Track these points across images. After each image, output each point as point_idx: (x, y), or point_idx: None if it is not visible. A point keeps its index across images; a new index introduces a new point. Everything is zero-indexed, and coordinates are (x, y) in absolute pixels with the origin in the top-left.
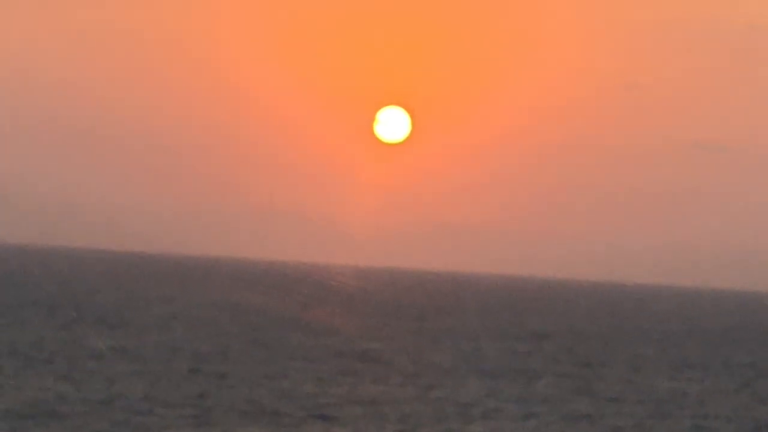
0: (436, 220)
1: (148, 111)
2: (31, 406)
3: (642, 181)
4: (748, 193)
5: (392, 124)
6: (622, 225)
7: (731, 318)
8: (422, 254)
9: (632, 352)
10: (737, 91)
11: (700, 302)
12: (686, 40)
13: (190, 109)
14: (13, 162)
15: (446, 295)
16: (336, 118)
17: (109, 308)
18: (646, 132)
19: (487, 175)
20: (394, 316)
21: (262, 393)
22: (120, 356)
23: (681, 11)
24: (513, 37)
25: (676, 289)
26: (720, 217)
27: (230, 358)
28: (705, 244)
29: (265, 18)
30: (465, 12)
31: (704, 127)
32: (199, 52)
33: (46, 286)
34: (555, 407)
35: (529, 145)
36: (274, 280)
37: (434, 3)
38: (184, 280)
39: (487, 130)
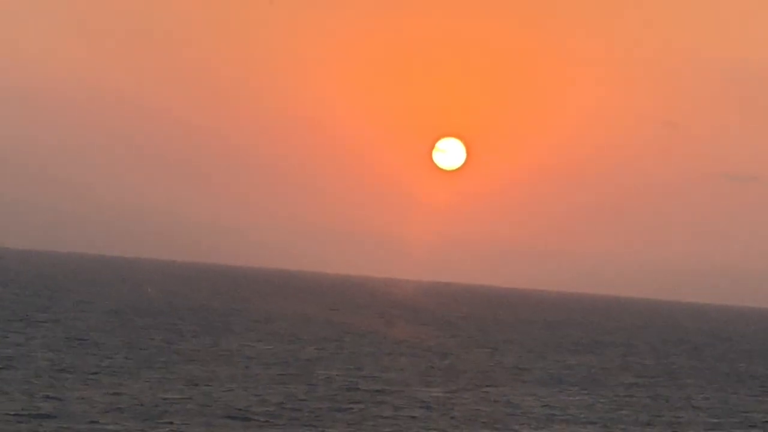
0: (488, 239)
1: (251, 144)
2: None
3: (676, 206)
4: None
5: (450, 153)
6: (655, 245)
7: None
8: (474, 270)
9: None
10: (763, 127)
11: (731, 318)
12: (718, 80)
13: (285, 142)
14: (128, 184)
15: (501, 308)
16: (400, 148)
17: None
18: (680, 164)
19: (534, 199)
20: (459, 328)
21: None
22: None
23: (713, 54)
24: (559, 77)
25: (706, 305)
26: (747, 239)
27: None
28: (735, 263)
29: (346, 65)
30: (515, 54)
31: (734, 160)
32: (290, 95)
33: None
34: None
35: (572, 173)
36: (347, 294)
37: (488, 48)
38: (272, 291)
39: (535, 160)
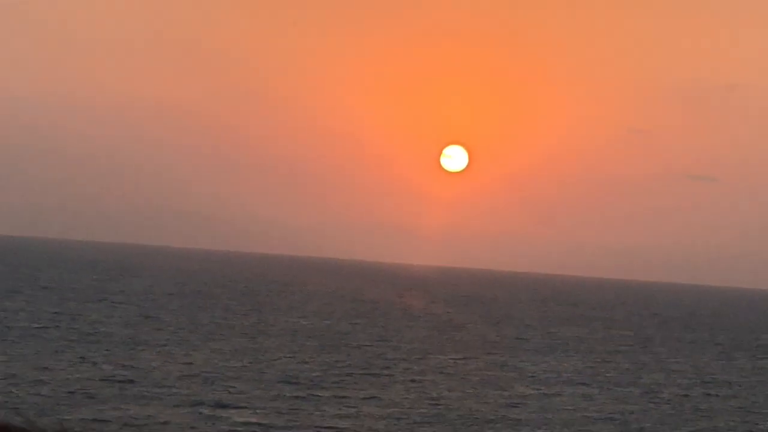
0: (487, 230)
1: (289, 149)
2: None
3: (645, 202)
4: (727, 210)
5: (455, 158)
6: (627, 235)
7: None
8: (476, 255)
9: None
10: (720, 134)
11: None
12: (679, 96)
13: (318, 149)
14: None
15: (500, 288)
16: (413, 154)
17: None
18: (647, 165)
19: (525, 196)
20: (465, 305)
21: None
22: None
23: (674, 74)
24: (545, 93)
25: (672, 284)
26: (706, 229)
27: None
28: (696, 249)
29: (368, 85)
30: (509, 74)
31: (695, 162)
32: (322, 110)
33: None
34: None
35: (556, 173)
36: (370, 277)
37: (487, 70)
38: (308, 276)
39: (526, 162)
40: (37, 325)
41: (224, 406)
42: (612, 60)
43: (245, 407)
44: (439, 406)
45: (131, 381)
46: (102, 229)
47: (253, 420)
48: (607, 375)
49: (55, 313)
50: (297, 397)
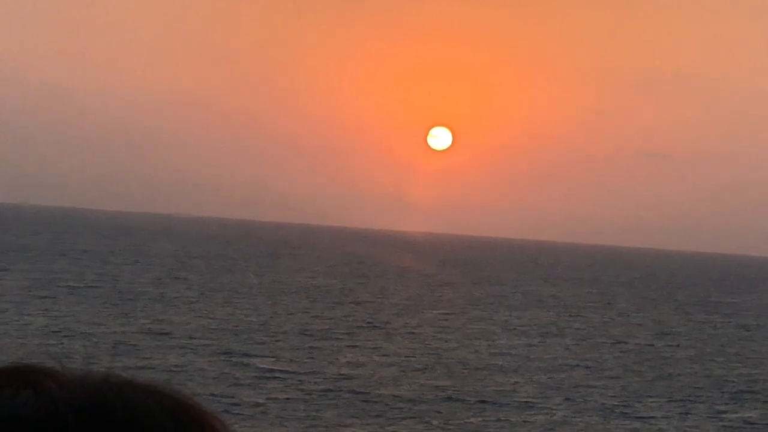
0: (468, 200)
1: (298, 131)
2: None
3: (606, 175)
4: (678, 184)
5: (440, 138)
6: (590, 204)
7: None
8: (459, 223)
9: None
10: (671, 114)
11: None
12: (637, 82)
13: (321, 131)
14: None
15: (482, 252)
16: (404, 135)
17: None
18: (607, 143)
19: (501, 170)
20: (452, 266)
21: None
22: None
23: (632, 63)
24: (517, 80)
25: (631, 248)
26: (658, 199)
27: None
28: (649, 216)
29: (364, 74)
30: (487, 65)
31: (649, 141)
32: (324, 96)
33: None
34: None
35: (527, 150)
36: (369, 242)
37: (467, 61)
38: (313, 242)
39: (502, 141)
40: (82, 285)
41: (250, 356)
42: (575, 50)
43: (268, 356)
44: (436, 355)
45: (167, 333)
46: (136, 200)
47: (276, 367)
48: (579, 328)
49: (98, 274)
50: (312, 347)
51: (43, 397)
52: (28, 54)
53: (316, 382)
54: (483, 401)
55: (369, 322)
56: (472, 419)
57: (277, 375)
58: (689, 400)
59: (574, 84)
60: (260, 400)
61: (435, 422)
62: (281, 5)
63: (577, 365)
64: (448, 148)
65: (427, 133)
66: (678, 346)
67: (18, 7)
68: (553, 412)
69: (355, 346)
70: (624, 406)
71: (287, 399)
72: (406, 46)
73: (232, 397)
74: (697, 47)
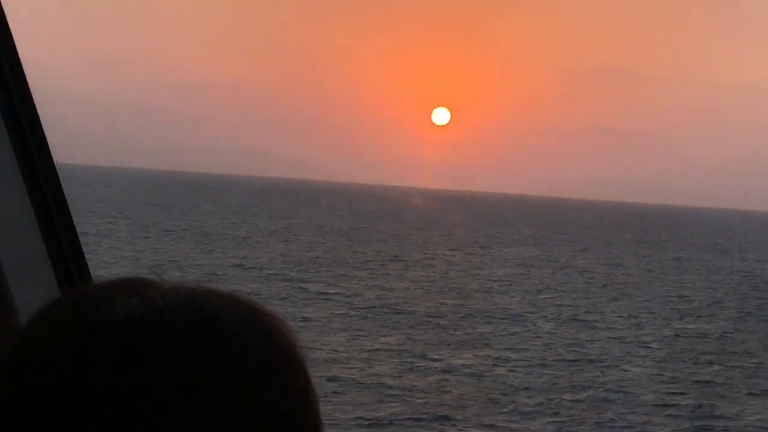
0: (463, 162)
1: (325, 107)
2: None
3: (570, 145)
4: (623, 155)
5: (441, 116)
6: (555, 169)
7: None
8: (456, 179)
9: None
10: (621, 92)
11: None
12: (590, 72)
13: (340, 108)
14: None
15: (477, 204)
16: (411, 113)
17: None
18: (569, 119)
19: (488, 140)
20: (451, 213)
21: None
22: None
23: (586, 56)
24: (502, 70)
25: (592, 201)
26: (608, 164)
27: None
28: (604, 175)
29: (378, 61)
30: (476, 56)
31: (600, 118)
32: (347, 79)
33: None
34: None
35: (507, 126)
36: (380, 196)
37: (461, 53)
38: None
39: (488, 118)
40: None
41: (305, 281)
42: (547, 49)
43: (318, 281)
44: (448, 281)
45: (242, 266)
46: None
47: (323, 290)
48: (556, 260)
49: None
50: (346, 275)
51: (148, 303)
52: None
53: (359, 302)
54: (489, 315)
55: (395, 256)
56: (480, 329)
57: (329, 297)
58: (641, 315)
59: (546, 74)
60: (318, 315)
61: (454, 332)
62: (322, 10)
63: (554, 289)
64: (447, 124)
65: (431, 112)
66: (631, 275)
67: None
68: (540, 323)
69: (383, 274)
70: (592, 320)
71: (339, 314)
72: (413, 43)
73: (298, 313)
74: (640, 45)
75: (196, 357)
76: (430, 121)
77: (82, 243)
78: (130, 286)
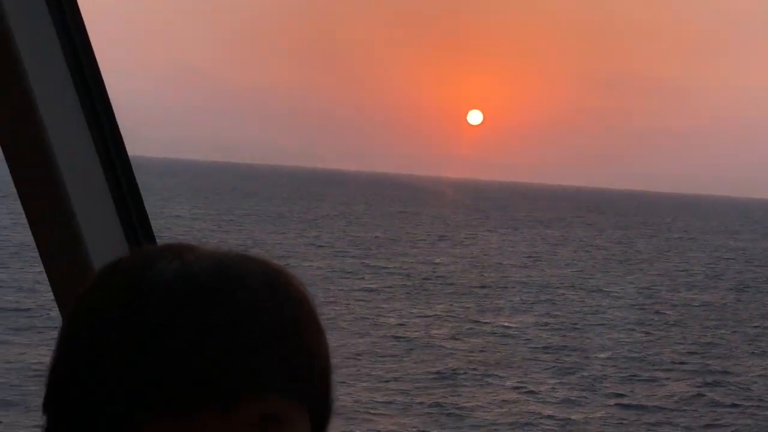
0: (493, 156)
1: (375, 111)
2: None
3: (584, 140)
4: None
5: (474, 117)
6: (568, 153)
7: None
8: (485, 170)
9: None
10: (610, 102)
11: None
12: (599, 80)
13: (384, 112)
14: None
15: (497, 189)
16: (450, 114)
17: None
18: (584, 120)
19: (515, 137)
20: (477, 198)
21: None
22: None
23: (597, 65)
24: (528, 80)
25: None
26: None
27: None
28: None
29: (418, 67)
30: (508, 66)
31: (612, 118)
32: (394, 85)
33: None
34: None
35: (531, 126)
36: (415, 182)
37: (491, 66)
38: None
39: (516, 120)
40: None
41: (368, 257)
42: (558, 59)
43: (379, 257)
44: (486, 257)
45: (314, 244)
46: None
47: (384, 264)
48: (578, 239)
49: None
50: (402, 253)
51: (186, 265)
52: None
53: (415, 274)
54: (525, 285)
55: (442, 236)
56: (517, 297)
57: (390, 270)
58: (654, 287)
59: (562, 81)
60: (382, 286)
61: (497, 300)
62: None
63: (578, 263)
64: (480, 124)
65: (466, 114)
66: (639, 252)
67: None
68: (569, 294)
69: (436, 251)
70: (613, 291)
71: (400, 285)
72: (452, 56)
73: (365, 285)
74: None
75: (219, 309)
76: (465, 122)
77: (175, 224)
78: (174, 250)
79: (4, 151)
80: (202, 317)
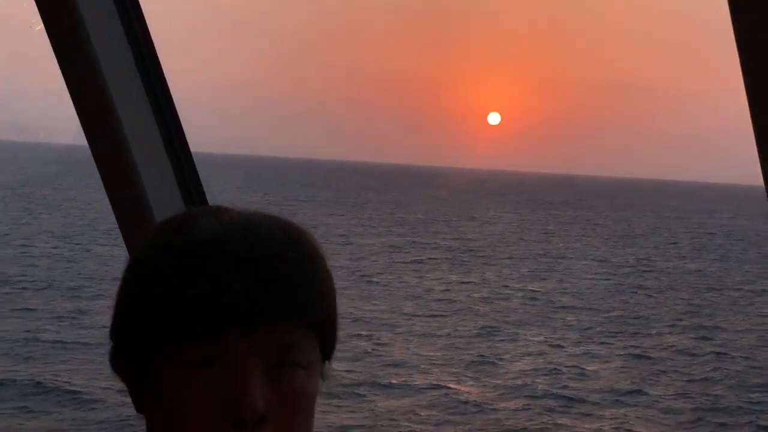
0: (509, 150)
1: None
2: None
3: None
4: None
5: (493, 118)
6: (574, 152)
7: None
8: (501, 162)
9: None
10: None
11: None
12: (589, 87)
13: (422, 109)
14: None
15: (515, 177)
16: (473, 117)
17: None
18: (587, 119)
19: (529, 135)
20: (490, 183)
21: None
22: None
23: (592, 75)
24: (540, 87)
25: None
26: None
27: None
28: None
29: (443, 74)
30: (523, 72)
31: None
32: (430, 89)
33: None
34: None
35: (542, 126)
36: (437, 173)
37: (508, 69)
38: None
39: (530, 121)
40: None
41: (411, 235)
42: (577, 64)
43: (419, 235)
44: (508, 234)
45: (365, 225)
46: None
47: (424, 240)
48: (585, 219)
49: None
50: (437, 231)
51: (221, 223)
52: None
53: (452, 247)
54: (543, 256)
55: (472, 216)
56: (536, 266)
57: (429, 245)
58: (650, 258)
59: (574, 88)
60: (424, 258)
61: (519, 269)
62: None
63: (585, 238)
64: (498, 124)
65: (486, 115)
66: (634, 228)
67: None
68: (580, 264)
69: (467, 229)
70: (616, 261)
71: (441, 257)
72: (472, 60)
73: (410, 257)
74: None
75: (244, 252)
76: (485, 122)
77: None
78: (212, 211)
79: (87, 139)
80: (229, 258)
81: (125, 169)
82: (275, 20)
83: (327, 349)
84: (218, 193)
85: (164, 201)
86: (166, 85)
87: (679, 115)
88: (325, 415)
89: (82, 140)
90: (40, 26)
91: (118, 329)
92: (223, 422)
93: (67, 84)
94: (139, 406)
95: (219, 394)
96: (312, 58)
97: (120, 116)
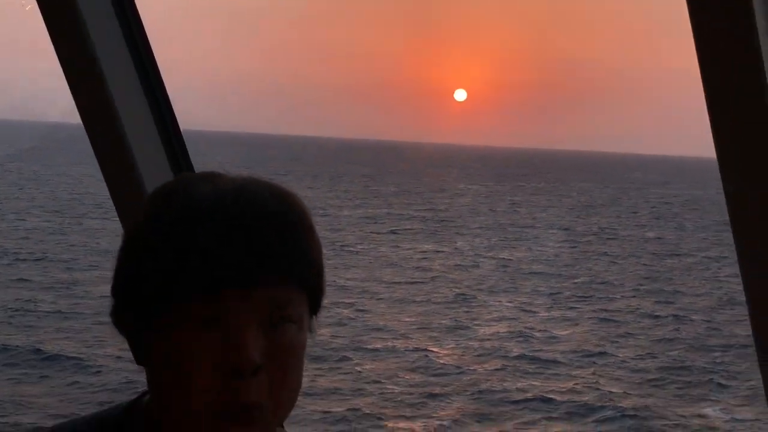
0: (475, 124)
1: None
2: None
3: (547, 110)
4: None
5: (460, 94)
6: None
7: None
8: (473, 136)
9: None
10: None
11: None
12: (549, 58)
13: (376, 92)
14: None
15: (479, 151)
16: (441, 94)
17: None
18: (549, 95)
19: (493, 110)
20: (471, 159)
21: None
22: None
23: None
24: (505, 63)
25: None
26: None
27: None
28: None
29: (411, 51)
30: (488, 48)
31: (574, 92)
32: (389, 65)
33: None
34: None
35: (504, 101)
36: (410, 147)
37: (474, 46)
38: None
39: (494, 96)
40: None
41: (391, 206)
42: (539, 40)
43: (396, 205)
44: (478, 204)
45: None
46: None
47: (402, 211)
48: (550, 191)
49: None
50: (411, 202)
51: (215, 187)
52: None
53: (429, 217)
54: (513, 226)
55: (442, 189)
56: (509, 234)
57: (409, 216)
58: (613, 227)
59: (537, 64)
60: (405, 228)
61: (490, 238)
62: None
63: (552, 208)
64: (464, 100)
65: (453, 92)
66: (599, 198)
67: None
68: (550, 232)
69: (439, 200)
70: (581, 230)
71: (420, 228)
72: (441, 38)
73: (396, 227)
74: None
75: (238, 214)
76: (452, 98)
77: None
78: (206, 177)
79: (82, 117)
80: (225, 221)
81: (117, 144)
82: None
83: (315, 304)
84: (202, 166)
85: (155, 171)
86: (155, 64)
87: (639, 92)
88: (317, 378)
89: (70, 118)
90: (31, 5)
91: (120, 287)
92: (223, 373)
93: (60, 60)
94: (139, 359)
95: (219, 348)
96: (279, 37)
97: (108, 83)
